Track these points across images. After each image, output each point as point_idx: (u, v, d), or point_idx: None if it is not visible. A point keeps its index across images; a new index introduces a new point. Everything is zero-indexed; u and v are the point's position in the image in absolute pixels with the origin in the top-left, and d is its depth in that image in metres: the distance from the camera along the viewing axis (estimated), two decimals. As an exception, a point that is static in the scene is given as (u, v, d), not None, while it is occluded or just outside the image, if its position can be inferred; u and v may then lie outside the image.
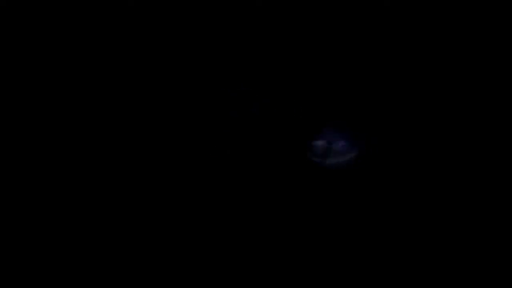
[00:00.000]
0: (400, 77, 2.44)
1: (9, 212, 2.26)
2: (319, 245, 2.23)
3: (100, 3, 2.44)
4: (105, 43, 2.45)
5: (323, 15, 2.46)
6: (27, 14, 2.42)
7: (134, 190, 2.33)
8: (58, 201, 2.30)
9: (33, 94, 2.41)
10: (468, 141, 2.34)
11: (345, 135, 2.06)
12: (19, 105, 2.39)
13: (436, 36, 2.43)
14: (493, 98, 2.39)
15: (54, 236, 2.24)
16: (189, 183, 2.35)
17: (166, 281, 2.16)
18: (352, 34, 2.45)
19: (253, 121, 2.41)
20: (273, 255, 2.22)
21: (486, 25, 2.40)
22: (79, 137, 2.38)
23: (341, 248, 2.22)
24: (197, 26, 2.47)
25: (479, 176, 2.30)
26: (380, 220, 2.26)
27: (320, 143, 2.00)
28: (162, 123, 2.42)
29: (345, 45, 2.45)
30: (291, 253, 2.22)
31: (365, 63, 2.45)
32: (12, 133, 2.35)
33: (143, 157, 2.38)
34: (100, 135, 2.39)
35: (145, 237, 2.26)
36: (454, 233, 2.22)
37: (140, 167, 2.37)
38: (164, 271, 2.19)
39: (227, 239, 2.26)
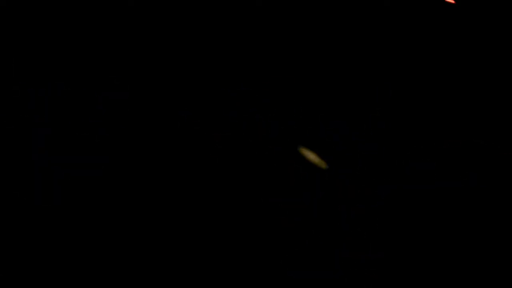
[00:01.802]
0: (400, 77, 2.43)
1: (8, 212, 2.26)
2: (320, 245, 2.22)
3: (100, 3, 2.44)
4: (105, 43, 2.45)
5: (323, 15, 2.46)
6: (27, 14, 2.42)
7: (133, 189, 2.33)
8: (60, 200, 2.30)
9: (32, 94, 2.40)
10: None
11: None
12: (19, 104, 2.39)
13: (436, 36, 2.43)
14: (493, 98, 2.39)
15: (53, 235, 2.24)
16: (188, 183, 2.35)
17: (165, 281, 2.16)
18: (352, 34, 2.45)
19: (253, 121, 2.41)
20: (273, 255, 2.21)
21: (486, 25, 2.40)
22: (78, 136, 2.38)
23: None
24: (197, 26, 2.47)
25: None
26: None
27: None
28: (161, 123, 2.41)
29: (345, 45, 2.45)
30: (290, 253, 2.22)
31: (365, 63, 2.45)
32: (11, 131, 2.35)
33: (142, 157, 2.38)
34: (99, 134, 2.38)
35: (143, 237, 2.25)
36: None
37: (138, 167, 2.36)
38: (160, 271, 2.19)
39: (225, 240, 2.25)
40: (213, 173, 2.36)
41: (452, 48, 2.45)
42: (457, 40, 2.44)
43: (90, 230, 2.27)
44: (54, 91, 2.42)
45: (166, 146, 2.40)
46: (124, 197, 2.32)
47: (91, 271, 2.18)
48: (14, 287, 2.14)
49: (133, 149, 2.39)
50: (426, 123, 2.40)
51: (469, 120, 2.39)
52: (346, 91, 2.45)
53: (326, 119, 2.41)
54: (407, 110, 2.42)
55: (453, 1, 2.21)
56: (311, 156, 2.35)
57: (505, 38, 2.41)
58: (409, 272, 2.15)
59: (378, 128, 2.40)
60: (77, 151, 2.38)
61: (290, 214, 2.29)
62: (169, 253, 2.22)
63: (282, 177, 2.35)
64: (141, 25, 2.47)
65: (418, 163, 2.33)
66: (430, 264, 2.17)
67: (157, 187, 2.34)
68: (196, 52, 2.48)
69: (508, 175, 2.29)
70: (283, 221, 2.28)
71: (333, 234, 2.24)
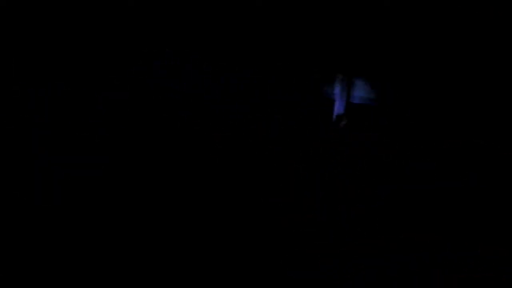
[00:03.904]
0: (400, 77, 2.44)
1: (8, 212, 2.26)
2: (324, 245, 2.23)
3: (100, 3, 2.44)
4: (105, 43, 2.46)
5: (323, 15, 2.46)
6: (27, 14, 2.42)
7: (133, 189, 2.33)
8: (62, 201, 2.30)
9: (32, 94, 2.41)
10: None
11: None
12: (18, 104, 2.39)
13: (436, 35, 2.44)
14: (493, 98, 2.40)
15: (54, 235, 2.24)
16: (188, 183, 2.35)
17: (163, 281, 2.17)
18: (352, 34, 2.45)
19: (253, 121, 2.41)
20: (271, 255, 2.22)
21: (486, 24, 2.41)
22: (78, 136, 2.38)
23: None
24: (197, 26, 2.47)
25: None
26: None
27: None
28: (161, 123, 2.42)
29: (345, 45, 2.46)
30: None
31: (365, 62, 2.45)
32: (12, 132, 2.35)
33: (142, 157, 2.38)
34: (99, 134, 2.39)
35: (143, 236, 2.26)
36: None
37: (138, 167, 2.37)
38: (159, 271, 2.19)
39: (225, 240, 2.26)
40: (213, 173, 2.36)
41: (453, 49, 2.45)
42: (457, 41, 2.45)
43: (90, 229, 2.27)
44: (54, 91, 2.42)
45: (166, 146, 2.40)
46: (124, 197, 2.32)
47: (91, 270, 2.18)
48: (14, 287, 2.15)
49: (133, 149, 2.39)
50: (426, 123, 2.40)
51: (469, 120, 2.39)
52: (345, 91, 2.45)
53: (326, 119, 2.42)
54: (407, 110, 2.42)
55: None
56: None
57: (505, 39, 2.41)
58: (409, 272, 2.16)
59: (378, 128, 2.40)
60: (77, 151, 2.38)
61: (290, 214, 2.29)
62: (169, 253, 2.22)
63: (282, 177, 2.35)
64: (141, 25, 2.47)
65: (418, 163, 2.34)
66: (430, 264, 2.17)
67: (157, 187, 2.34)
68: (196, 52, 2.48)
69: (508, 175, 2.29)
70: (283, 221, 2.28)
71: (333, 234, 2.24)
